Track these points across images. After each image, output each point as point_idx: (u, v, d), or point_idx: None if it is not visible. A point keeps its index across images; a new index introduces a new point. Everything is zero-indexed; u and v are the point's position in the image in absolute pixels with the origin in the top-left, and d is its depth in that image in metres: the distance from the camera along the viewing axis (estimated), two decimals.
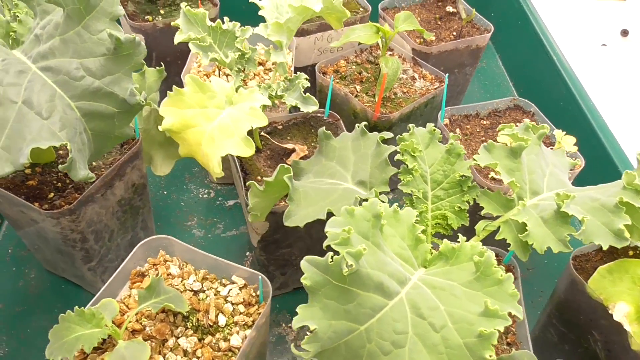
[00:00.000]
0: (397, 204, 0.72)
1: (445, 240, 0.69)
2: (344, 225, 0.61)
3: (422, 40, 1.46)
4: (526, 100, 1.28)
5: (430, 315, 0.61)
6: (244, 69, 1.00)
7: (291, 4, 0.95)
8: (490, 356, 0.57)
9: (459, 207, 0.80)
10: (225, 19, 1.00)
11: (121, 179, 1.08)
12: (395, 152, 0.83)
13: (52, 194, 1.01)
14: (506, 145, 0.95)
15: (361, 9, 1.56)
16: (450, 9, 1.60)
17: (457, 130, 1.22)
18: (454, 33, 1.53)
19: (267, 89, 0.97)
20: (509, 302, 0.61)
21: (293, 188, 0.77)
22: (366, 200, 0.66)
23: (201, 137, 0.89)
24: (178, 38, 0.97)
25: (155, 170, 1.19)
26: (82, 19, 0.81)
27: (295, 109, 0.99)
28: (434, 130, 0.85)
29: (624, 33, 2.07)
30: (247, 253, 1.33)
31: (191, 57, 1.31)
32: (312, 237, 1.10)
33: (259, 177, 1.07)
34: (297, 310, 0.59)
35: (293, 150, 1.11)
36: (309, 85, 0.97)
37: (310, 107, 0.96)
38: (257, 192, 0.81)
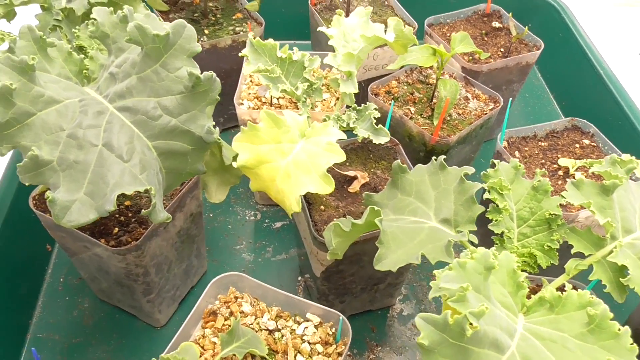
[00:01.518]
0: (494, 248, 0.70)
1: (549, 287, 0.67)
2: (457, 280, 0.59)
3: (470, 57, 1.44)
4: (584, 121, 1.26)
5: None
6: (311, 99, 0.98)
7: (364, 35, 0.93)
8: None
9: (549, 245, 0.78)
10: (295, 49, 0.98)
11: (181, 210, 1.06)
12: (480, 189, 0.81)
13: (116, 229, 0.99)
14: (573, 175, 0.93)
15: (407, 26, 1.53)
16: (496, 24, 1.57)
17: (516, 152, 1.20)
18: (501, 49, 1.51)
19: (337, 120, 0.94)
20: (628, 357, 0.59)
21: (383, 231, 0.75)
22: (454, 243, 0.64)
23: (276, 173, 0.87)
24: (247, 69, 0.95)
25: (210, 197, 1.17)
26: (161, 57, 0.79)
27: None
28: (519, 165, 0.83)
29: None
30: (299, 278, 1.31)
31: (241, 80, 1.29)
32: (373, 266, 1.07)
33: (322, 207, 1.05)
34: None
35: (354, 178, 1.09)
36: (378, 115, 0.95)
37: (382, 138, 0.94)
38: (341, 232, 0.79)
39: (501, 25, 1.58)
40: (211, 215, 1.42)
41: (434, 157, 0.88)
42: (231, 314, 0.91)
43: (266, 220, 1.43)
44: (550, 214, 0.79)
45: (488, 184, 0.80)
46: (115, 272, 1.03)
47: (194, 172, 0.87)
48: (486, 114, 1.28)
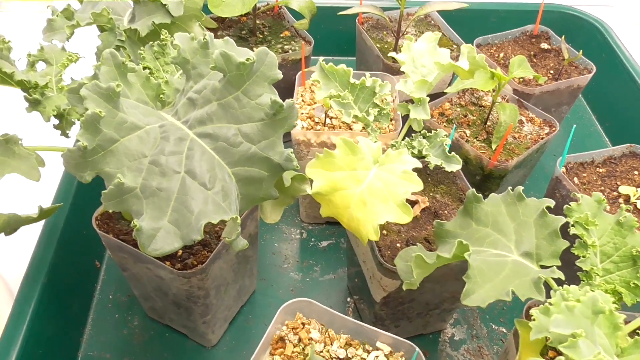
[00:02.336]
0: (589, 287, 0.68)
1: None
2: (567, 325, 0.58)
3: (521, 79, 1.43)
4: None
5: None
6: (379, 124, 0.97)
7: (439, 62, 0.92)
8: None
9: (635, 283, 0.77)
10: (367, 74, 0.97)
11: (242, 231, 1.05)
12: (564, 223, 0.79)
13: (180, 252, 0.98)
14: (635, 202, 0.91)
15: (454, 46, 1.52)
16: (544, 45, 1.56)
17: (575, 179, 1.18)
18: (551, 71, 1.50)
19: (408, 146, 0.93)
20: None
21: (471, 265, 0.74)
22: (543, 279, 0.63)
23: (350, 201, 0.86)
24: (320, 95, 0.94)
25: (265, 218, 1.16)
26: (243, 83, 0.79)
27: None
28: (602, 199, 0.81)
29: None
30: (348, 299, 1.30)
31: (295, 99, 1.29)
32: (435, 292, 1.07)
33: (384, 232, 1.04)
34: None
35: (415, 202, 1.08)
36: (449, 141, 0.94)
37: (455, 166, 0.93)
38: (422, 264, 0.78)
39: (549, 47, 1.57)
40: None
41: (510, 187, 0.87)
42: (300, 340, 0.90)
43: (312, 239, 1.42)
44: (636, 251, 0.78)
45: (573, 219, 0.79)
46: (176, 294, 1.02)
47: (266, 198, 0.86)
48: (542, 138, 1.26)
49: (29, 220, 0.89)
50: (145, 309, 1.22)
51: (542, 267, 0.78)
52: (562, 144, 1.60)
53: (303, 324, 0.93)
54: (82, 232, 1.26)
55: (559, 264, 0.78)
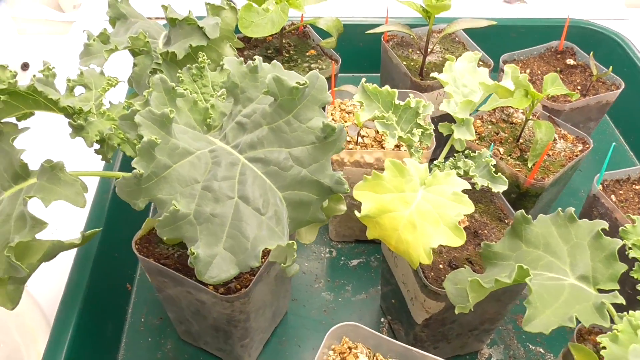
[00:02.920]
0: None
1: None
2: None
3: (550, 96, 1.42)
4: None
5: None
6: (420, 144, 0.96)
7: (484, 83, 0.92)
8: None
9: None
10: (411, 95, 0.97)
11: None
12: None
13: None
14: None
15: (482, 63, 1.52)
16: (570, 61, 1.56)
17: (612, 196, 1.17)
18: (578, 87, 1.49)
19: (453, 167, 0.92)
20: None
21: (531, 290, 0.73)
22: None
23: (398, 223, 0.85)
24: (364, 116, 0.94)
25: (301, 239, 1.15)
26: (294, 107, 0.78)
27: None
28: None
29: None
30: (382, 319, 1.28)
31: None
32: (476, 313, 1.05)
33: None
34: None
35: None
36: (494, 162, 0.93)
37: (501, 186, 0.92)
38: (479, 288, 0.77)
39: (575, 63, 1.56)
40: None
41: (559, 209, 0.86)
42: None
43: (342, 258, 1.41)
44: None
45: (630, 241, 0.78)
46: (216, 318, 1.01)
47: (313, 221, 0.85)
48: (576, 155, 1.25)
49: (71, 246, 0.89)
50: (179, 332, 1.21)
51: (600, 290, 0.77)
52: (588, 161, 1.60)
53: (350, 348, 0.92)
54: (114, 255, 1.25)
55: (618, 287, 0.76)
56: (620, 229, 0.81)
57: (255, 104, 0.81)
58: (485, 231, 1.08)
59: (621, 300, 0.73)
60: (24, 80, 1.79)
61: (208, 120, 0.82)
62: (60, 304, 1.06)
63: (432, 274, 1.00)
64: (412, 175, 0.86)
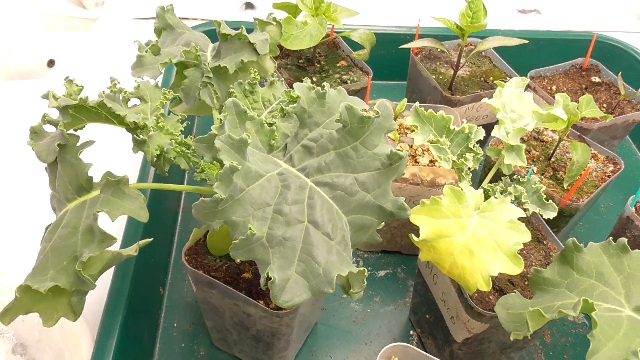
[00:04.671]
0: None
1: None
2: None
3: None
4: None
5: None
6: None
7: (537, 111, 0.94)
8: None
9: None
10: (464, 121, 0.98)
11: None
12: None
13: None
14: None
15: (508, 78, 1.54)
16: (595, 78, 1.58)
17: None
18: (604, 105, 1.51)
19: (504, 192, 0.94)
20: None
21: (597, 324, 0.75)
22: None
23: (454, 248, 0.87)
24: (418, 140, 0.95)
25: None
26: (362, 134, 0.80)
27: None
28: None
29: None
30: (411, 332, 1.30)
31: None
32: None
33: None
34: None
35: None
36: (544, 187, 0.95)
37: (551, 213, 0.94)
38: (538, 317, 0.79)
39: (600, 80, 1.59)
40: None
41: (610, 237, 0.88)
42: None
43: (369, 268, 1.43)
44: None
45: None
46: (260, 330, 1.03)
47: (369, 242, 0.87)
48: (608, 176, 1.28)
49: (129, 257, 0.90)
50: (213, 339, 1.22)
51: None
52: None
53: None
54: (150, 260, 1.26)
55: None
56: None
57: (322, 128, 0.82)
58: (524, 252, 1.10)
59: None
60: (51, 77, 1.79)
61: (272, 141, 0.83)
62: (105, 310, 1.07)
63: (476, 294, 1.01)
64: (469, 201, 0.88)
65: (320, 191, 0.79)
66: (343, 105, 0.77)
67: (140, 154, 0.99)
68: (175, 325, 1.28)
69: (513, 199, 0.95)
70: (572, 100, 1.24)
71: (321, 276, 0.74)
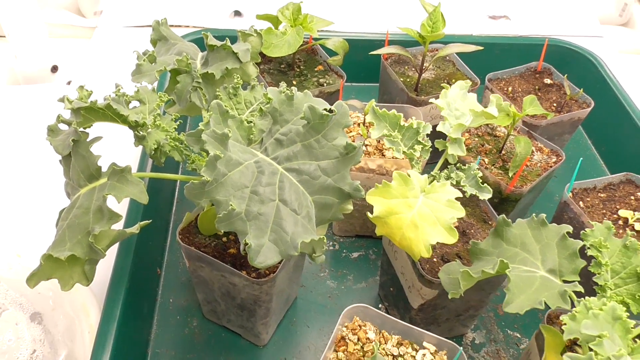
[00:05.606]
0: (605, 299, 0.87)
1: None
2: (594, 327, 0.77)
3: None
4: (638, 176, 1.44)
5: None
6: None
7: (473, 110, 1.11)
8: None
9: (639, 295, 0.96)
10: (413, 118, 1.16)
11: None
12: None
13: None
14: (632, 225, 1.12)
15: (468, 80, 1.72)
16: (547, 80, 1.76)
17: (580, 203, 1.38)
18: (554, 104, 1.69)
19: (448, 178, 1.12)
20: None
21: (512, 280, 0.93)
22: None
23: (402, 223, 1.04)
24: (375, 134, 1.13)
25: None
26: (323, 129, 0.97)
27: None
28: (611, 226, 1.01)
29: None
30: (380, 305, 1.48)
31: None
32: (463, 300, 1.25)
33: None
34: None
35: None
36: (481, 174, 1.13)
37: (486, 194, 1.12)
38: (468, 277, 0.97)
39: (552, 82, 1.77)
40: None
41: (534, 214, 1.06)
42: (358, 339, 1.08)
43: (344, 251, 1.61)
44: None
45: (589, 243, 0.98)
46: (244, 298, 1.20)
47: (333, 219, 1.04)
48: (550, 166, 1.46)
49: (131, 234, 1.07)
50: (204, 312, 1.39)
51: (564, 281, 0.97)
52: (562, 168, 1.80)
53: (360, 325, 1.11)
54: (148, 243, 1.43)
55: (579, 279, 0.97)
56: (581, 232, 1.01)
57: (291, 124, 1.00)
58: (472, 231, 1.28)
59: (580, 289, 0.93)
60: (54, 81, 1.97)
61: (251, 136, 1.01)
62: (109, 285, 1.24)
63: (428, 266, 1.19)
64: (414, 184, 1.06)
65: (289, 176, 0.97)
66: (306, 105, 0.95)
67: (140, 147, 1.17)
68: (171, 300, 1.45)
69: (455, 183, 1.12)
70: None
71: (288, 243, 0.91)
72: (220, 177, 0.91)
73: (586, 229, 1.00)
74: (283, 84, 1.08)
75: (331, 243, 1.62)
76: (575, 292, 0.94)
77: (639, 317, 1.00)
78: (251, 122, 1.02)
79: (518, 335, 1.42)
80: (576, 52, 2.13)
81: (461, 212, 1.02)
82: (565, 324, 0.86)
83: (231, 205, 0.89)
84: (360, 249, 1.62)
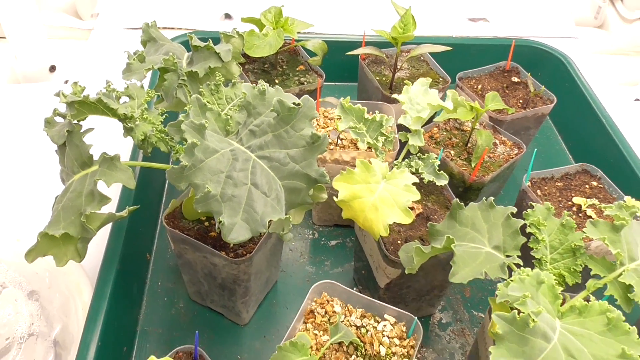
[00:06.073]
0: (539, 270, 0.99)
1: (579, 298, 0.96)
2: (519, 290, 0.89)
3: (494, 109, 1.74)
4: (592, 166, 1.55)
5: (579, 356, 0.88)
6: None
7: (430, 103, 1.23)
8: None
9: (574, 268, 1.08)
10: (377, 112, 1.28)
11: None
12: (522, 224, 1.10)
13: (231, 244, 1.28)
14: (585, 211, 1.23)
15: (441, 79, 1.83)
16: (515, 79, 1.88)
17: (538, 191, 1.49)
18: (520, 101, 1.81)
19: (408, 166, 1.24)
20: (637, 348, 0.88)
21: (456, 253, 1.05)
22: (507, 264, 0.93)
23: (365, 206, 1.16)
24: (342, 126, 1.25)
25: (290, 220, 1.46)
26: (291, 120, 1.08)
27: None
28: (550, 207, 1.12)
29: None
30: (354, 288, 1.59)
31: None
32: (427, 279, 1.36)
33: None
34: (491, 350, 0.86)
35: (412, 209, 1.38)
36: (439, 162, 1.25)
37: (442, 181, 1.23)
38: (421, 253, 1.08)
39: (519, 80, 1.88)
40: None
41: (484, 198, 1.17)
42: (326, 312, 1.20)
43: (323, 239, 1.72)
44: (575, 245, 1.09)
45: (529, 221, 1.10)
46: (224, 278, 1.31)
47: (303, 203, 1.15)
48: (512, 157, 1.57)
49: (120, 218, 1.18)
50: (190, 293, 1.50)
51: (507, 256, 1.09)
52: (529, 160, 1.92)
53: (327, 300, 1.23)
54: (138, 230, 1.55)
55: (520, 254, 1.08)
56: (523, 212, 1.13)
57: (263, 117, 1.11)
58: (436, 216, 1.40)
59: (519, 262, 1.05)
60: (52, 80, 2.08)
61: (228, 127, 1.12)
62: (102, 264, 1.36)
63: (392, 247, 1.31)
64: (376, 171, 1.17)
65: (261, 162, 1.08)
66: (276, 99, 1.06)
67: (133, 141, 1.28)
68: (159, 283, 1.56)
69: (414, 170, 1.24)
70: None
71: (258, 221, 1.03)
72: (198, 163, 1.02)
73: (528, 210, 1.11)
74: (261, 82, 1.19)
75: (311, 232, 1.73)
76: (517, 265, 1.06)
77: (575, 288, 1.11)
78: (228, 115, 1.13)
79: (482, 315, 1.54)
80: (547, 52, 2.24)
81: (416, 195, 1.13)
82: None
83: (207, 188, 1.01)
84: (338, 237, 1.73)
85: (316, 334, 1.17)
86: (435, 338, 1.49)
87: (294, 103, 1.08)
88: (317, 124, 1.62)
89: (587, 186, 1.52)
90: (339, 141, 1.56)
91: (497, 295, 0.94)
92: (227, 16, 2.52)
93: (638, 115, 2.20)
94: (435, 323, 1.51)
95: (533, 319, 0.84)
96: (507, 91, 1.84)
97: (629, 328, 0.89)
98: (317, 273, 1.61)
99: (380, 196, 1.15)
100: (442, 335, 1.49)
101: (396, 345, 1.16)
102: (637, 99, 2.41)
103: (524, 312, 0.86)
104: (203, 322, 1.48)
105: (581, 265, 1.07)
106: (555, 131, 2.16)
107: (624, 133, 1.88)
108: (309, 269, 1.63)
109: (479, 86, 1.84)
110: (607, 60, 2.69)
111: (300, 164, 1.10)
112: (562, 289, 1.04)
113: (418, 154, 1.26)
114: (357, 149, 1.56)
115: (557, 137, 2.14)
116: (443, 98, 1.58)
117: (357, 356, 1.13)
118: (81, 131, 1.14)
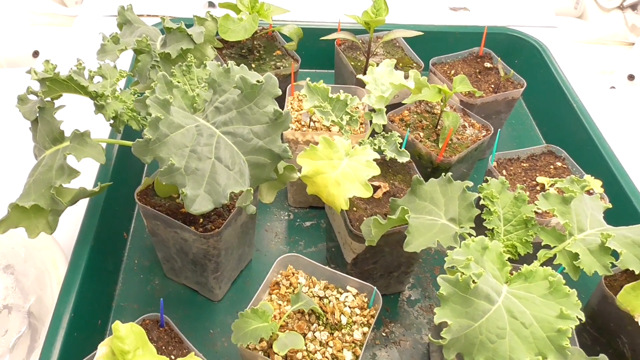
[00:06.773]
0: (486, 237, 1.03)
1: (525, 265, 1.01)
2: (464, 254, 0.93)
3: (467, 92, 1.78)
4: (557, 147, 1.60)
5: (521, 317, 0.92)
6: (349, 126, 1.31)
7: (392, 83, 1.27)
8: (566, 344, 0.88)
9: (525, 239, 1.12)
10: (341, 91, 1.32)
11: (247, 206, 1.38)
12: (477, 197, 1.15)
13: (201, 220, 1.32)
14: (548, 190, 1.27)
15: (415, 64, 1.88)
16: (487, 64, 1.92)
17: (504, 171, 1.54)
18: (492, 86, 1.85)
19: (371, 144, 1.28)
20: (575, 309, 0.92)
21: (410, 224, 1.09)
22: (459, 234, 0.97)
23: (328, 181, 1.20)
24: (307, 105, 1.29)
25: (262, 199, 1.49)
26: (254, 97, 1.12)
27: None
28: (505, 182, 1.17)
29: (631, 78, 2.40)
30: (326, 267, 1.63)
31: (286, 107, 1.63)
32: (393, 255, 1.41)
33: (354, 209, 1.38)
34: (436, 310, 0.91)
35: (378, 187, 1.42)
36: (401, 141, 1.29)
37: (404, 158, 1.28)
38: (378, 225, 1.13)
39: (491, 66, 1.93)
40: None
41: (443, 174, 1.22)
42: (290, 284, 1.24)
43: (298, 220, 1.76)
44: (526, 217, 1.13)
45: (483, 194, 1.14)
46: (195, 253, 1.35)
47: (268, 179, 1.19)
48: (480, 139, 1.62)
49: (92, 194, 1.22)
50: (165, 271, 1.55)
51: (462, 227, 1.13)
52: (505, 144, 1.97)
53: (293, 272, 1.27)
54: (115, 208, 1.59)
55: (473, 225, 1.13)
56: (478, 186, 1.17)
57: (228, 94, 1.15)
58: (402, 195, 1.44)
59: (472, 232, 1.09)
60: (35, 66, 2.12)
61: (194, 105, 1.16)
62: (77, 240, 1.40)
63: (358, 223, 1.35)
64: (338, 148, 1.22)
65: (225, 138, 1.12)
66: (238, 76, 1.10)
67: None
68: (135, 261, 1.60)
69: (377, 148, 1.28)
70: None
71: (220, 193, 1.07)
72: (162, 137, 1.06)
73: (482, 184, 1.16)
74: (231, 63, 1.23)
75: (286, 213, 1.77)
76: (469, 235, 1.10)
77: (526, 258, 1.16)
78: (195, 92, 1.17)
79: None
80: (523, 40, 2.29)
81: (376, 170, 1.17)
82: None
83: (171, 160, 1.05)
84: (313, 218, 1.77)
85: (280, 304, 1.22)
86: (404, 314, 1.53)
87: (257, 81, 1.12)
88: (292, 107, 1.66)
89: (551, 167, 1.57)
90: (312, 123, 1.60)
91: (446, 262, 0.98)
92: (211, 4, 2.55)
93: (613, 102, 2.24)
94: (404, 300, 1.56)
95: (474, 280, 0.88)
96: (479, 76, 1.88)
97: (569, 291, 0.93)
98: (291, 252, 1.65)
99: (343, 172, 1.19)
100: (410, 311, 1.53)
101: (357, 314, 1.20)
102: (613, 87, 2.45)
103: (465, 275, 0.90)
104: (177, 298, 1.52)
105: (532, 236, 1.12)
106: (530, 116, 2.21)
107: (599, 119, 1.93)
108: (283, 248, 1.67)
109: (452, 71, 1.89)
110: (586, 49, 2.73)
111: (264, 140, 1.14)
112: (511, 257, 1.09)
113: (382, 133, 1.30)
114: (329, 130, 1.59)
115: (531, 122, 2.19)
116: None
117: (319, 324, 1.18)
118: (53, 108, 1.17)
